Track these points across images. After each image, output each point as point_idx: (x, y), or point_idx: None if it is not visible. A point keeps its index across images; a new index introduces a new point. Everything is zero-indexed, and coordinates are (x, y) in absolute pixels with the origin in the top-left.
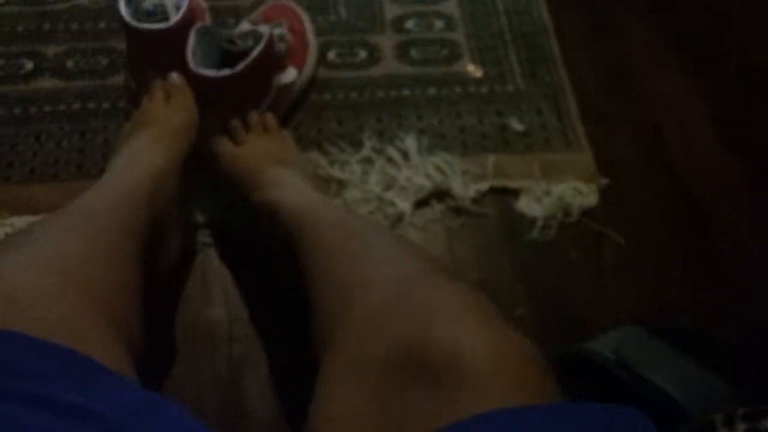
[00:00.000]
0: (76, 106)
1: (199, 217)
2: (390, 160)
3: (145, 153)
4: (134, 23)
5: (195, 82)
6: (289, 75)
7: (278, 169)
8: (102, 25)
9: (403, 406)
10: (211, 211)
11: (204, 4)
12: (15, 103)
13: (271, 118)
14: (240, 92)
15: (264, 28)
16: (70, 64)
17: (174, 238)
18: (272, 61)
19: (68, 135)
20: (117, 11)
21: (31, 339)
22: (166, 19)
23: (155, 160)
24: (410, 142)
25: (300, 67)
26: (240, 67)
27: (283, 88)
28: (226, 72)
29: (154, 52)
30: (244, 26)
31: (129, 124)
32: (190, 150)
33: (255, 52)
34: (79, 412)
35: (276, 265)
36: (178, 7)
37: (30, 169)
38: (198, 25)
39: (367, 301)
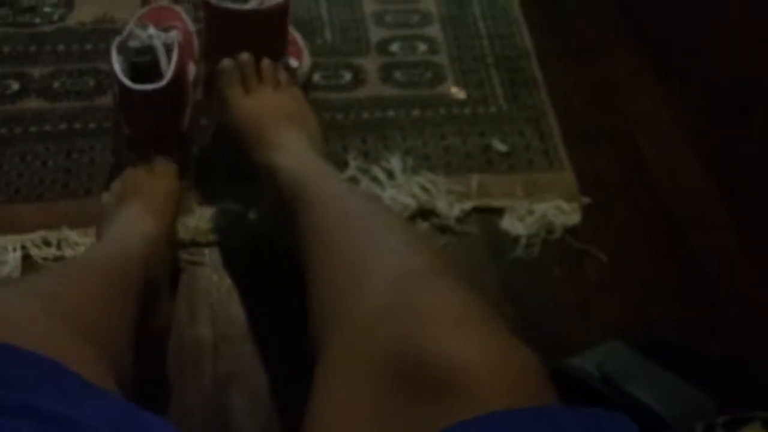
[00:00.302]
0: (62, 126)
1: (185, 235)
2: (375, 179)
3: (136, 221)
4: (128, 84)
5: (214, 18)
6: (294, 62)
7: (283, 128)
8: (88, 46)
9: (399, 412)
10: (196, 228)
11: (192, 29)
12: (1, 124)
13: (284, 73)
14: (259, 33)
15: None
16: (56, 84)
17: (166, 304)
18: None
19: (54, 155)
20: (103, 34)
21: (14, 349)
22: (155, 59)
23: (146, 227)
24: (395, 162)
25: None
26: (266, 4)
27: (292, 72)
28: (253, 3)
29: (148, 105)
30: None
31: (113, 193)
32: (178, 216)
33: None
34: (61, 422)
35: (269, 277)
36: (167, 47)
37: (15, 189)
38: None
39: (364, 302)
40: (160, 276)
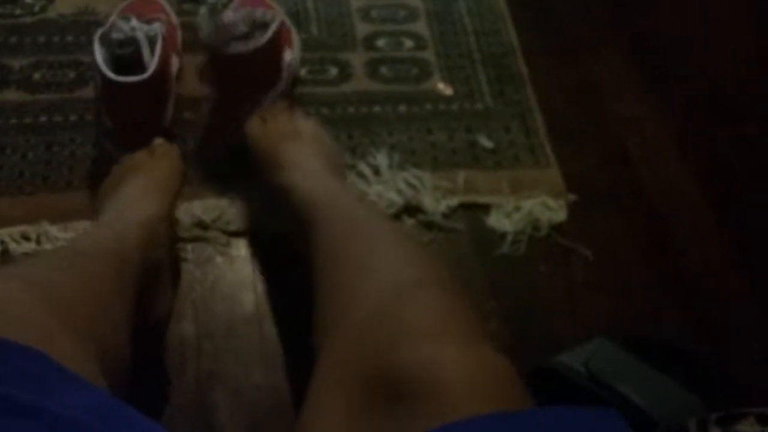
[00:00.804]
0: (43, 118)
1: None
2: (361, 175)
3: (134, 203)
4: (110, 75)
5: (223, 62)
6: (288, 54)
7: (296, 149)
8: (69, 38)
9: (383, 420)
10: (178, 223)
11: (175, 21)
12: None
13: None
14: (263, 66)
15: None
16: (36, 76)
17: (165, 288)
18: (283, 35)
19: (34, 147)
20: (84, 26)
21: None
22: (138, 51)
23: (146, 209)
24: (381, 158)
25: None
26: (265, 38)
27: (288, 67)
28: (255, 43)
29: (130, 97)
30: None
31: (113, 174)
32: (178, 197)
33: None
34: (38, 414)
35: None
36: (150, 39)
37: None
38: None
39: (356, 314)
40: (160, 259)
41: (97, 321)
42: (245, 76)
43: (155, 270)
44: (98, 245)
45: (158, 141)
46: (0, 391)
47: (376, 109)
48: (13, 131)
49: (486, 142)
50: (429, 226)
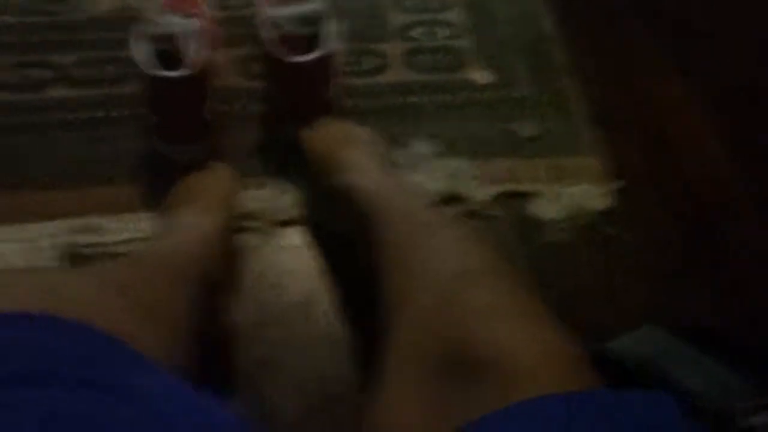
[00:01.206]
0: (86, 114)
1: None
2: (399, 165)
3: (192, 223)
4: (150, 71)
5: (283, 69)
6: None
7: (351, 152)
8: (110, 35)
9: (454, 397)
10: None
11: (215, 16)
12: (28, 112)
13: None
14: (318, 74)
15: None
16: (79, 73)
17: (226, 303)
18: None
19: (77, 143)
20: (125, 22)
21: (71, 322)
22: (177, 46)
23: (202, 228)
24: (420, 148)
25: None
26: (321, 51)
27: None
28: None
29: (171, 92)
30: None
31: (175, 193)
32: (233, 215)
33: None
34: (116, 390)
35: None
36: (190, 33)
37: (43, 177)
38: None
39: (422, 302)
40: (219, 276)
41: (168, 325)
42: (303, 80)
43: (214, 285)
44: (163, 261)
45: (217, 165)
46: (81, 374)
47: (414, 99)
48: (57, 127)
49: (525, 130)
50: (470, 214)
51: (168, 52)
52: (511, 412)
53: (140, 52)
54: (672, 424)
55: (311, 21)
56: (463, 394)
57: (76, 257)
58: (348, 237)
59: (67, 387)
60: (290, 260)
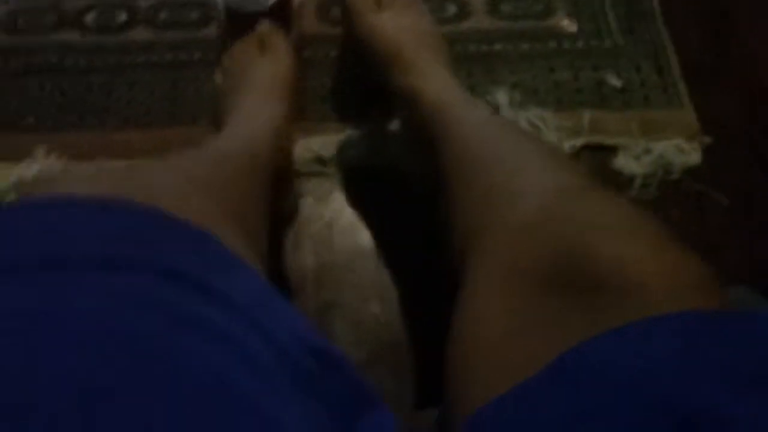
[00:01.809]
0: (168, 56)
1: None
2: None
3: (260, 112)
4: (231, 5)
5: None
6: None
7: (421, 51)
8: None
9: (558, 317)
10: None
11: None
12: (110, 53)
13: None
14: None
15: None
16: (162, 16)
17: (292, 189)
18: None
19: (161, 84)
20: None
21: (163, 214)
22: None
23: (272, 116)
24: (501, 97)
25: None
26: None
27: None
28: None
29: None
30: None
31: (224, 71)
32: (297, 96)
33: None
34: (205, 290)
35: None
36: None
37: (125, 117)
38: None
39: (523, 208)
40: (287, 159)
41: (247, 218)
42: None
43: (285, 174)
44: (233, 149)
45: (265, 28)
46: (168, 263)
47: (497, 47)
48: (140, 69)
49: (614, 81)
50: None
51: None
52: (645, 326)
53: None
54: None
55: None
56: (575, 310)
57: None
58: (418, 184)
59: (153, 274)
60: (361, 206)
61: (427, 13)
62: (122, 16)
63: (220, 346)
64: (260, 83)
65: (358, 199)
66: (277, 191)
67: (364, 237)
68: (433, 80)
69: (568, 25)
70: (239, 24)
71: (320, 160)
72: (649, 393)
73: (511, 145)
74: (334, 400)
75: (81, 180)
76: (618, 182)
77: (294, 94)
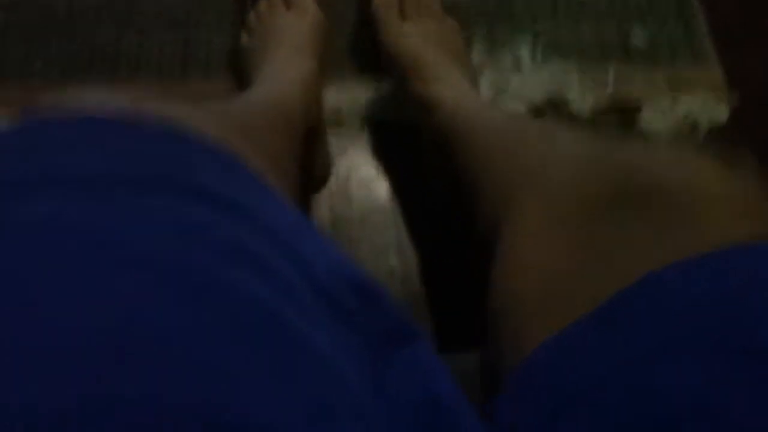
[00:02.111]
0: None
1: None
2: (500, 68)
3: (289, 68)
4: None
5: None
6: None
7: (445, 64)
8: None
9: (619, 242)
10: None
11: None
12: (123, 11)
13: (439, 3)
14: None
15: None
16: None
17: (324, 147)
18: None
19: (173, 43)
20: None
21: (195, 138)
22: None
23: (301, 73)
24: (524, 49)
25: None
26: None
27: None
28: None
29: None
30: None
31: (253, 30)
32: (324, 51)
33: None
34: (238, 210)
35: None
36: None
37: (135, 68)
38: None
39: (563, 163)
40: (318, 117)
41: (285, 176)
42: None
43: (315, 129)
44: (264, 105)
45: (308, 7)
46: (197, 181)
47: None
48: (152, 25)
49: (641, 36)
50: (575, 122)
51: None
52: (725, 257)
53: None
54: None
55: None
56: (639, 232)
57: None
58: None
59: (179, 194)
60: (379, 161)
61: (449, 19)
62: None
63: (270, 282)
64: (288, 40)
65: (376, 153)
66: (307, 151)
67: (382, 190)
68: (452, 89)
69: None
70: None
71: (337, 112)
72: (729, 327)
73: (534, 140)
74: (373, 334)
75: (106, 101)
76: (644, 139)
77: (322, 51)
